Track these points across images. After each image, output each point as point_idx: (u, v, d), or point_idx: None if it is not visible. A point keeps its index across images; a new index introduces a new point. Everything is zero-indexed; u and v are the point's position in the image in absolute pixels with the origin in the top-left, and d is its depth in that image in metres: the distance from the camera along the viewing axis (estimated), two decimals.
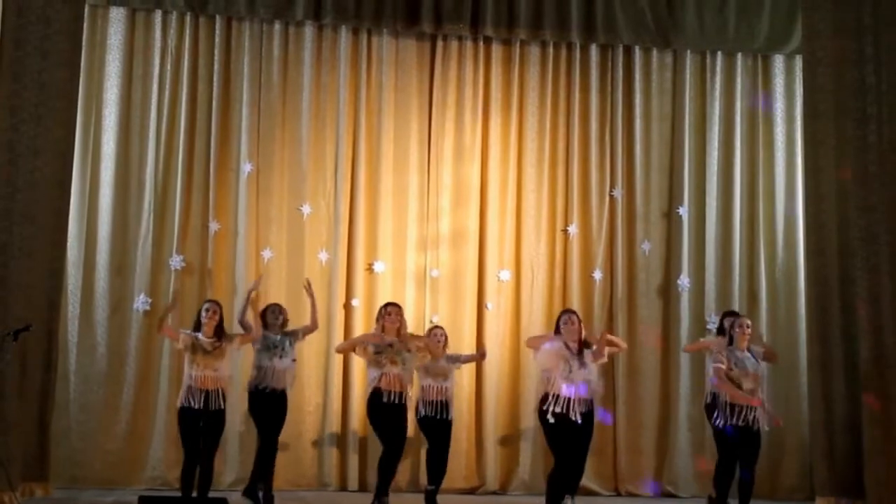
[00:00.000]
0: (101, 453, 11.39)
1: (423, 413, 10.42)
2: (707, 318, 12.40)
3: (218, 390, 9.53)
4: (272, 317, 10.31)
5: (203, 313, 9.70)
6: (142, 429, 11.47)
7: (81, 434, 11.39)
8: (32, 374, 10.49)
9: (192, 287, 11.73)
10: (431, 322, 11.96)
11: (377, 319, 10.20)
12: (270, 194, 11.98)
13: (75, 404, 11.42)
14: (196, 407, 9.43)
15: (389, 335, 10.02)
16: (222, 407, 9.59)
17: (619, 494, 12.10)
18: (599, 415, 10.47)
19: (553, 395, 9.31)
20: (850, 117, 11.50)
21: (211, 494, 9.62)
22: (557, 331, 9.62)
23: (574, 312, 9.82)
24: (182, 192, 11.79)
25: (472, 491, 11.84)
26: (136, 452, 11.42)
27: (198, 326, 9.69)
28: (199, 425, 9.47)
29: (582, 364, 9.40)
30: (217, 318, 9.69)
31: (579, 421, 9.31)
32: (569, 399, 9.27)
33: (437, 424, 10.42)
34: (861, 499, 11.05)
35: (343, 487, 11.76)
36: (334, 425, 11.76)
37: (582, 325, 9.67)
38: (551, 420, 9.29)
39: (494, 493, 11.96)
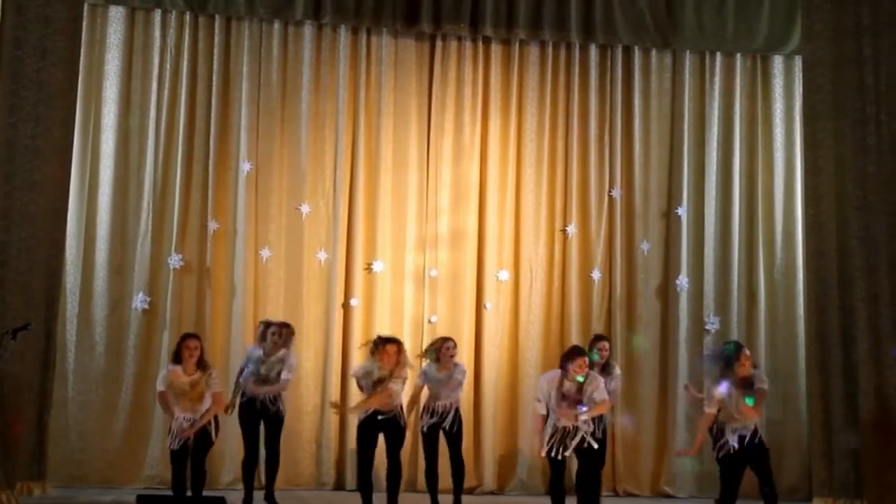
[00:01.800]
0: (100, 452, 11.39)
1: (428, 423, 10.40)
2: (706, 318, 12.40)
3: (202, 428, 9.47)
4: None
5: (184, 350, 9.46)
6: (140, 428, 11.46)
7: (80, 433, 11.39)
8: (31, 373, 10.50)
9: (190, 286, 11.73)
10: (431, 323, 11.98)
11: (372, 352, 9.82)
12: (269, 193, 11.98)
13: (74, 403, 11.42)
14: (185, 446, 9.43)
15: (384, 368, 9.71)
16: (212, 440, 9.59)
17: (616, 494, 12.10)
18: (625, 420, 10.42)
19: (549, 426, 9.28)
20: (850, 118, 11.52)
21: (209, 493, 9.65)
22: (564, 367, 9.27)
23: (586, 356, 9.45)
24: (181, 191, 11.79)
25: (470, 491, 11.80)
26: (134, 451, 11.42)
27: (177, 358, 9.51)
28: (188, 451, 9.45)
29: (575, 403, 9.21)
30: (198, 353, 9.48)
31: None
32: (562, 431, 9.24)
33: (446, 433, 10.42)
34: (859, 499, 11.07)
35: (340, 487, 11.77)
36: (332, 425, 11.76)
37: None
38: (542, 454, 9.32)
39: (492, 493, 11.97)
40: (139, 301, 11.61)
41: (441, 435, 10.43)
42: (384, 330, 11.88)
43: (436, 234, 12.22)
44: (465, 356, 11.97)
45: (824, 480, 11.31)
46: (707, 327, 12.40)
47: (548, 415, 9.31)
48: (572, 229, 12.38)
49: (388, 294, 12.07)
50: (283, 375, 10.26)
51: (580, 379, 9.18)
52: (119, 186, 11.74)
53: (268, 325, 10.47)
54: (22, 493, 10.33)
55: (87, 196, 11.64)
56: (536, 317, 12.24)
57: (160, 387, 9.57)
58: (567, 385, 9.17)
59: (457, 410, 10.47)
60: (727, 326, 12.43)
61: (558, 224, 12.44)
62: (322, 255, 11.98)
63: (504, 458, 12.09)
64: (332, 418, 11.75)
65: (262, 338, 10.39)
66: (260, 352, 10.29)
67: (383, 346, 9.71)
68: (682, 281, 12.43)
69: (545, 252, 12.37)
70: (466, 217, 12.29)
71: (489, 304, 12.18)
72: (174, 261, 11.68)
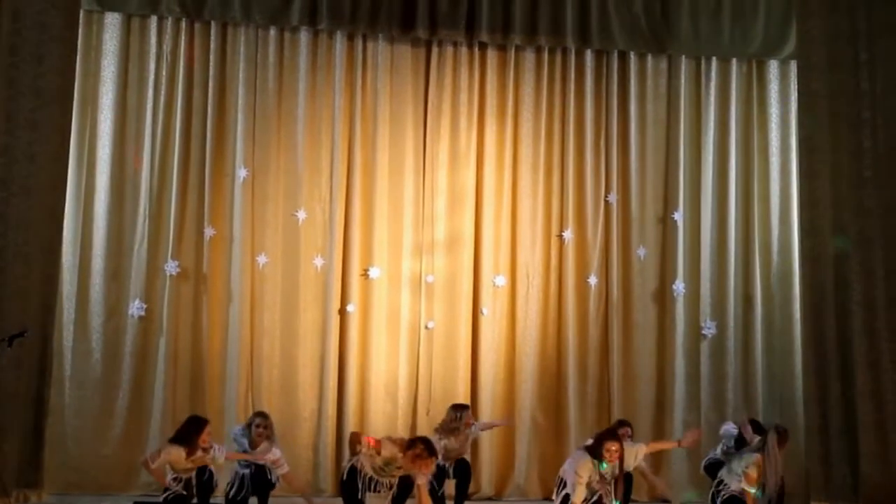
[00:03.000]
0: (96, 459, 11.37)
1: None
2: (702, 323, 12.41)
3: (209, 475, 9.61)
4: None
5: (200, 438, 9.46)
6: (136, 434, 11.45)
7: (76, 439, 11.38)
8: (27, 379, 10.50)
9: (187, 292, 11.73)
10: (428, 329, 11.98)
11: (413, 461, 8.93)
12: (266, 200, 11.97)
13: (70, 410, 11.40)
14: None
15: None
16: (215, 484, 9.70)
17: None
18: None
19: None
20: (845, 122, 11.54)
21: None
22: (596, 452, 9.32)
23: (619, 440, 9.46)
24: (177, 197, 11.77)
25: (468, 496, 11.81)
26: (130, 458, 11.37)
27: (185, 440, 9.47)
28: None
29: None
30: (209, 438, 9.59)
31: None
32: None
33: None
34: (856, 503, 11.06)
35: (338, 493, 11.74)
36: (329, 431, 11.75)
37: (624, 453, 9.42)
38: None
39: (490, 498, 11.95)
40: (136, 307, 11.60)
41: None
42: (381, 337, 11.97)
43: (432, 240, 12.21)
44: (461, 361, 12.02)
45: (821, 485, 11.31)
46: (703, 332, 12.41)
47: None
48: (568, 234, 12.38)
49: (385, 300, 12.07)
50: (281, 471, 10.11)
51: (603, 467, 9.25)
52: (115, 192, 11.73)
53: (256, 415, 10.32)
54: (18, 500, 10.31)
55: (83, 202, 11.62)
56: (533, 322, 12.24)
57: (152, 464, 9.49)
58: (605, 468, 9.25)
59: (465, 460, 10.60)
60: (724, 331, 12.44)
61: (555, 229, 12.44)
62: (319, 262, 11.97)
63: (501, 463, 12.08)
64: (329, 424, 11.74)
65: (247, 426, 10.20)
66: (245, 442, 10.08)
67: (428, 458, 8.89)
68: (679, 286, 12.43)
69: (541, 257, 12.38)
70: (463, 222, 12.29)
71: (486, 309, 12.17)
72: (171, 267, 11.67)
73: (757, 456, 9.70)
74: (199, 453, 9.48)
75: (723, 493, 9.74)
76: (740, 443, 10.34)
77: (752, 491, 9.61)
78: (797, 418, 12.07)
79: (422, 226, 12.23)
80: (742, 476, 9.67)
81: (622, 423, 10.91)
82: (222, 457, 9.68)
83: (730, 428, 10.68)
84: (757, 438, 10.02)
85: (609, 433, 9.58)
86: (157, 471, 9.57)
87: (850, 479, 11.17)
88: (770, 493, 9.72)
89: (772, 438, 9.75)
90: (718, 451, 10.58)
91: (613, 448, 9.25)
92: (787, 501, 11.92)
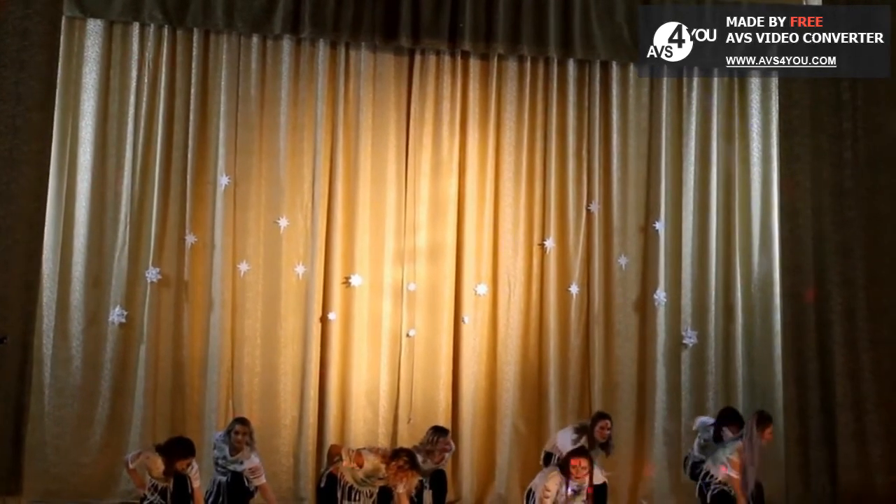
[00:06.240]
0: (76, 467, 11.33)
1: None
2: (683, 332, 12.43)
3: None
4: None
5: (181, 464, 9.44)
6: (116, 442, 11.42)
7: (56, 447, 11.32)
8: (6, 387, 10.47)
9: (168, 299, 11.70)
10: (409, 337, 11.97)
11: (395, 473, 9.38)
12: (247, 207, 11.95)
13: (50, 417, 11.35)
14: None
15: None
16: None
17: None
18: None
19: None
20: (826, 133, 11.59)
21: None
22: (565, 469, 9.44)
23: (588, 457, 9.60)
24: (159, 204, 11.74)
25: None
26: (110, 466, 11.36)
27: (167, 453, 9.46)
28: None
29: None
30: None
31: None
32: None
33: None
34: None
35: (317, 501, 11.72)
36: (310, 439, 11.72)
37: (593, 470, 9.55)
38: None
39: None
40: (116, 315, 11.56)
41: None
42: (362, 345, 11.95)
43: (414, 248, 12.21)
44: (443, 370, 12.02)
45: (801, 494, 11.35)
46: (685, 341, 12.44)
47: None
48: (550, 243, 12.40)
49: (367, 308, 12.06)
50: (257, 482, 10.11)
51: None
52: (96, 199, 11.68)
53: (236, 421, 10.31)
54: None
55: (63, 209, 11.57)
56: (514, 330, 12.24)
57: (131, 464, 9.59)
58: (573, 484, 9.31)
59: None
60: (704, 341, 12.47)
61: (536, 238, 12.45)
62: (300, 269, 11.95)
63: (482, 471, 12.08)
64: (310, 432, 11.72)
65: (227, 432, 10.20)
66: (226, 449, 10.09)
67: (410, 471, 9.30)
68: (660, 295, 12.45)
69: (523, 266, 12.38)
70: (444, 231, 12.28)
71: (467, 317, 12.17)
72: (152, 274, 11.64)
73: (740, 443, 9.73)
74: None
75: (711, 486, 9.73)
76: (717, 438, 10.34)
77: (740, 477, 9.62)
78: (777, 427, 12.05)
79: (404, 234, 12.22)
80: (728, 463, 9.67)
81: (601, 415, 10.82)
82: (196, 479, 9.60)
83: (705, 420, 10.68)
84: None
85: (577, 450, 9.63)
86: (134, 472, 9.59)
87: (830, 489, 11.22)
88: (749, 481, 9.71)
89: (751, 421, 9.77)
90: (696, 449, 10.57)
91: (581, 464, 9.31)
92: None
